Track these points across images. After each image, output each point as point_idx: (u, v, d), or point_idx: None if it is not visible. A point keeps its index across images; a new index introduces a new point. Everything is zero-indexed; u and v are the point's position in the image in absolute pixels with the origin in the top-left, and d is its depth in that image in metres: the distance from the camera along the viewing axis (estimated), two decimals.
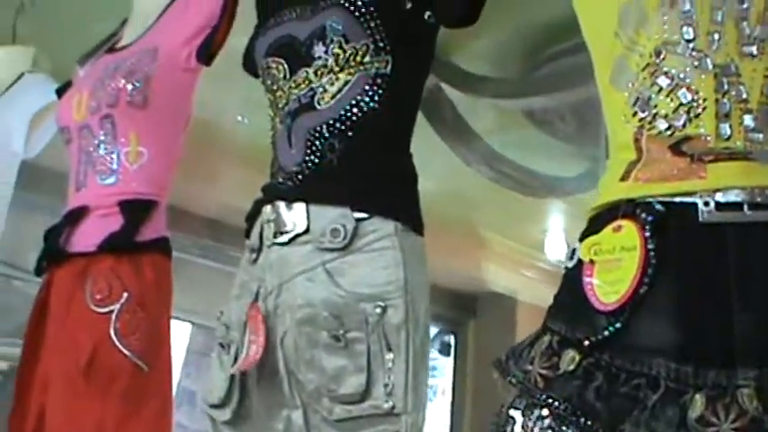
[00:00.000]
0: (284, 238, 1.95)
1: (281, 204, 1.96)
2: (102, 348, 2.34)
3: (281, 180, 2.00)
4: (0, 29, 3.52)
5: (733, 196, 1.38)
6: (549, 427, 1.41)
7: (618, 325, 1.38)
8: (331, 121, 1.94)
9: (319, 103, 1.96)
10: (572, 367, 1.41)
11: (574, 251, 1.52)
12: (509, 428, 1.47)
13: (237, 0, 2.57)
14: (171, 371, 2.49)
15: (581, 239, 1.51)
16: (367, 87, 1.94)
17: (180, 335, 5.58)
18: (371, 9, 1.94)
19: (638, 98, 1.47)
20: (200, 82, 2.66)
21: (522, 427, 1.45)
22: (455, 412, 8.46)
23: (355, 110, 1.94)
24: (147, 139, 2.53)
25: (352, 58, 1.94)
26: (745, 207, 1.38)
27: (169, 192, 2.61)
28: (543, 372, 1.45)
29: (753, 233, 1.36)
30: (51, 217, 2.69)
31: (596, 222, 1.51)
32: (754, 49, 1.41)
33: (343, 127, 1.94)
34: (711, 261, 1.38)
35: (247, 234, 2.10)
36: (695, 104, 1.42)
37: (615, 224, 1.45)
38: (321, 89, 1.96)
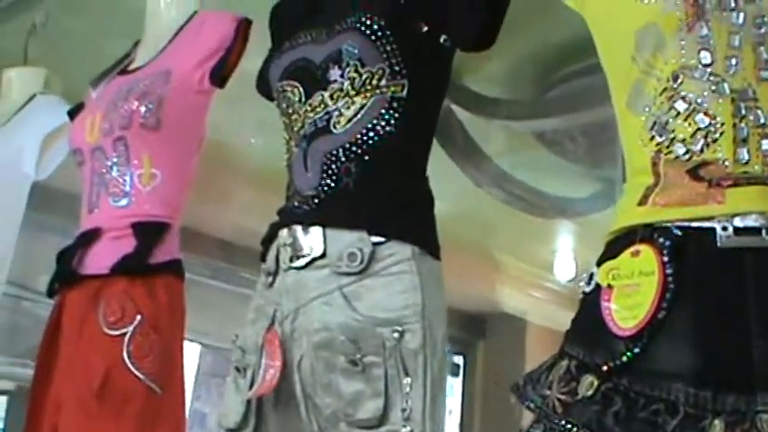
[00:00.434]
0: (301, 262, 1.94)
1: (298, 228, 1.96)
2: (116, 371, 2.34)
3: (297, 204, 2.00)
4: (12, 50, 3.53)
5: (751, 221, 1.38)
6: None
7: (636, 350, 1.38)
8: (347, 145, 1.94)
9: (335, 127, 1.95)
10: (590, 392, 1.41)
11: (591, 276, 1.52)
12: None
13: (251, 22, 2.57)
14: (184, 393, 2.48)
15: (598, 264, 1.51)
16: (383, 111, 1.94)
17: (190, 356, 5.58)
18: (387, 33, 1.94)
19: (655, 122, 1.47)
20: (212, 104, 2.66)
21: None
22: None
23: (371, 133, 1.93)
24: (160, 160, 2.53)
25: (368, 81, 1.94)
26: (764, 232, 1.38)
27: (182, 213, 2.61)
28: (562, 397, 1.44)
29: None
30: (62, 238, 2.69)
31: (614, 247, 1.50)
32: None
33: (359, 151, 1.93)
34: (730, 286, 1.38)
35: (263, 257, 2.09)
36: (713, 129, 1.42)
37: (633, 249, 1.45)
38: (337, 113, 1.96)
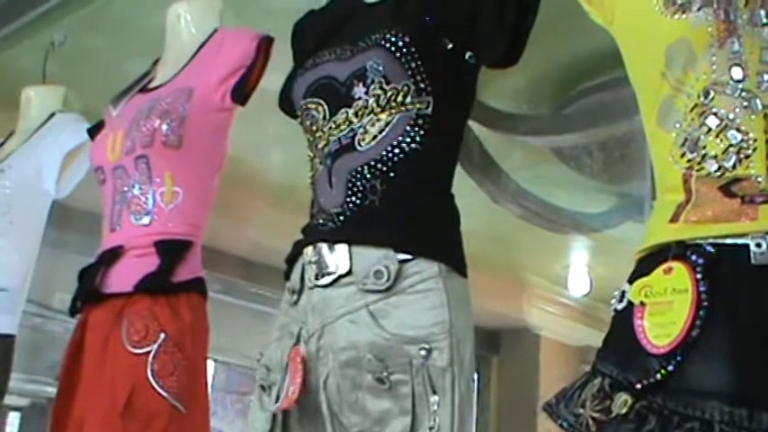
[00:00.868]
0: (326, 280, 1.93)
1: (323, 246, 1.95)
2: (140, 389, 2.33)
3: (321, 221, 1.99)
4: (30, 68, 3.54)
5: None
6: None
7: (670, 368, 1.37)
8: (372, 162, 1.93)
9: (360, 144, 1.95)
10: (624, 410, 1.40)
11: (623, 293, 1.51)
12: None
13: (272, 39, 2.57)
14: (208, 412, 2.48)
15: (630, 281, 1.51)
16: (408, 128, 1.93)
17: None
18: (412, 50, 1.93)
19: (686, 139, 1.47)
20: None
21: None
22: None
23: (397, 150, 1.93)
24: (182, 178, 2.53)
25: (392, 98, 1.93)
26: None
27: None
28: (595, 415, 1.44)
29: None
30: (79, 256, 2.69)
31: (646, 264, 1.50)
32: None
33: (384, 168, 1.92)
34: (764, 303, 1.37)
35: (287, 275, 2.08)
36: (745, 145, 1.41)
37: (666, 266, 1.44)
38: (362, 130, 1.95)
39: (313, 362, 1.94)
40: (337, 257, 1.93)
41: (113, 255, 2.53)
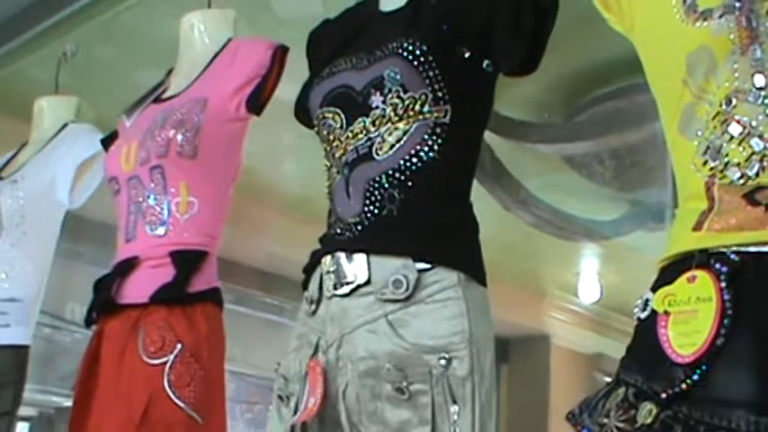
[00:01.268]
0: (345, 290, 1.92)
1: (342, 255, 1.94)
2: (157, 400, 2.33)
3: (339, 231, 1.99)
4: (43, 79, 3.54)
5: None
6: None
7: (695, 377, 1.36)
8: (390, 172, 1.92)
9: (378, 153, 1.94)
10: (650, 420, 1.39)
11: (647, 302, 1.50)
12: None
13: (287, 49, 2.57)
14: (225, 422, 2.48)
15: (653, 290, 1.50)
16: (426, 137, 1.93)
17: None
18: (430, 58, 1.93)
19: (708, 147, 1.46)
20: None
21: None
22: None
23: (414, 159, 1.92)
24: (197, 189, 2.52)
25: (410, 107, 1.92)
26: None
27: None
28: (620, 425, 1.43)
29: None
30: (92, 267, 2.68)
31: (669, 273, 1.49)
32: None
33: (402, 177, 1.92)
34: None
35: (305, 285, 2.08)
36: None
37: (689, 275, 1.43)
38: (379, 139, 1.94)
39: (332, 372, 1.93)
40: (356, 267, 1.92)
41: (129, 265, 2.53)
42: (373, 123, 1.96)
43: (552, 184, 5.34)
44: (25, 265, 3.13)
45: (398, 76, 1.93)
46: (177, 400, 2.33)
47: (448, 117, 1.94)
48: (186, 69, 2.76)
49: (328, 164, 2.09)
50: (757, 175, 1.41)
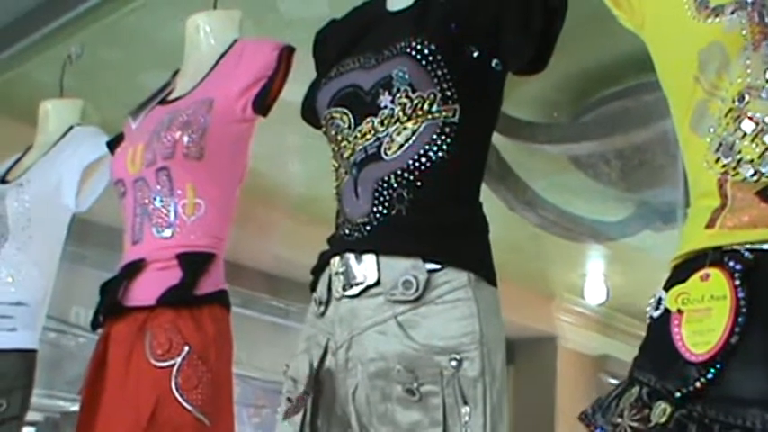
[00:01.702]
0: (354, 291, 1.91)
1: (351, 256, 1.93)
2: (164, 403, 2.32)
3: (347, 231, 1.98)
4: (47, 82, 3.53)
5: None
6: None
7: (710, 375, 1.35)
8: (399, 171, 1.91)
9: (386, 153, 1.93)
10: (664, 419, 1.38)
11: (660, 300, 1.49)
12: None
13: (294, 49, 2.56)
14: (233, 424, 2.47)
15: (666, 288, 1.48)
16: (435, 136, 1.92)
17: None
18: (438, 57, 1.92)
19: (720, 144, 1.45)
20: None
21: None
22: None
23: (423, 159, 1.91)
24: (203, 190, 2.51)
25: (419, 107, 1.91)
26: None
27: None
28: (634, 424, 1.42)
29: None
30: (96, 270, 2.68)
31: (682, 271, 1.47)
32: None
33: (411, 177, 1.91)
34: None
35: (313, 287, 2.07)
36: None
37: (702, 273, 1.42)
38: (388, 139, 1.93)
39: (341, 373, 1.92)
40: (365, 268, 1.91)
41: (135, 268, 2.52)
42: (382, 123, 1.95)
43: (558, 185, 5.33)
44: (31, 269, 3.11)
45: (407, 76, 1.93)
46: (185, 403, 2.32)
47: (457, 116, 1.93)
48: (192, 71, 2.75)
49: (336, 164, 2.08)
50: None
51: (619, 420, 1.44)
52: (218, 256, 2.53)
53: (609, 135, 4.41)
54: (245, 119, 2.55)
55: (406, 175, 1.91)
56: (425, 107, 1.92)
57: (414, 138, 1.92)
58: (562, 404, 8.35)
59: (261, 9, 3.77)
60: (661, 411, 1.39)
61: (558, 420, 8.26)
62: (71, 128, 3.35)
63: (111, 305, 2.54)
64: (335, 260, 1.97)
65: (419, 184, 1.91)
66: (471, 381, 1.80)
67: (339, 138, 2.04)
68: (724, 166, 1.44)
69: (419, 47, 1.93)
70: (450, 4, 2.02)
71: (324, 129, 2.13)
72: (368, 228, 1.94)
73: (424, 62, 1.92)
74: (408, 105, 1.92)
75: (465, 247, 1.93)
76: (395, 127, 1.93)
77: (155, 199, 2.53)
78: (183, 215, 2.50)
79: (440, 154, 1.92)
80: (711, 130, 1.46)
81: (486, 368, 1.81)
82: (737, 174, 1.42)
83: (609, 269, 7.65)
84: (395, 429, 1.83)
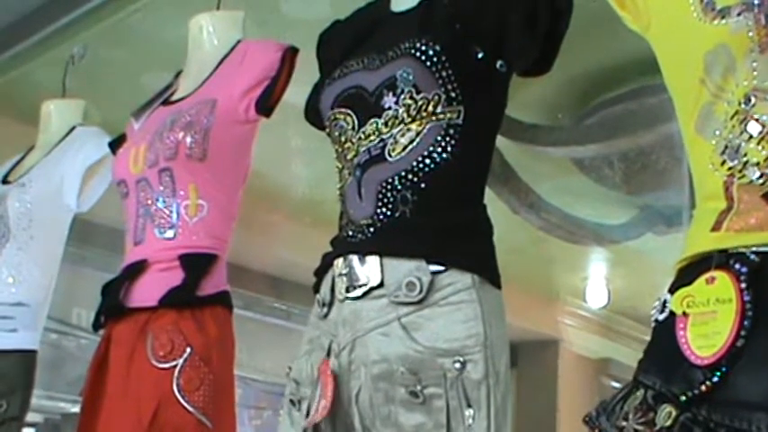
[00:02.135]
0: (357, 293, 1.90)
1: (354, 258, 1.92)
2: (166, 404, 2.32)
3: (351, 233, 1.97)
4: (50, 82, 3.53)
5: None
6: None
7: (715, 379, 1.34)
8: (403, 173, 1.90)
9: (390, 155, 1.92)
10: (669, 423, 1.37)
11: (665, 303, 1.48)
12: None
13: (297, 50, 2.55)
14: (235, 426, 2.46)
15: (671, 291, 1.47)
16: (439, 138, 1.91)
17: None
18: (443, 58, 1.91)
19: (726, 146, 1.44)
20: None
21: None
22: None
23: (428, 161, 1.90)
24: (206, 191, 2.51)
25: (423, 108, 1.91)
26: None
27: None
28: (639, 428, 1.41)
29: None
30: (98, 271, 2.67)
31: (687, 274, 1.47)
32: None
33: (415, 179, 1.90)
34: None
35: (316, 288, 2.06)
36: None
37: (708, 275, 1.41)
38: (392, 140, 1.92)
39: (344, 375, 1.91)
40: (368, 269, 1.90)
41: (137, 269, 2.51)
42: (386, 124, 1.94)
43: (562, 188, 5.32)
44: (32, 269, 3.11)
45: (411, 77, 1.92)
46: (186, 405, 2.31)
47: (461, 118, 1.93)
48: (195, 71, 2.74)
49: (340, 165, 2.07)
50: None
51: (623, 424, 1.43)
52: (220, 258, 2.52)
53: (612, 138, 4.41)
54: (248, 120, 2.54)
55: (410, 176, 1.90)
56: (430, 108, 1.91)
57: (418, 139, 1.91)
58: (564, 407, 8.34)
59: (264, 10, 3.76)
60: (666, 415, 1.38)
61: (560, 423, 8.24)
62: (73, 128, 3.34)
63: (112, 306, 2.53)
64: (339, 262, 1.96)
65: (423, 185, 1.90)
66: (475, 383, 1.79)
67: (343, 139, 2.03)
68: (730, 168, 1.43)
69: (423, 48, 1.92)
70: (454, 5, 2.01)
71: (327, 130, 2.12)
72: (371, 229, 1.93)
73: (428, 63, 1.91)
74: (413, 106, 1.91)
75: (469, 248, 1.92)
76: (399, 128, 1.92)
77: (157, 200, 2.52)
78: (185, 216, 2.49)
79: (444, 155, 1.91)
80: (717, 132, 1.45)
81: (490, 371, 1.81)
82: (743, 176, 1.41)
83: (611, 272, 7.64)
84: None
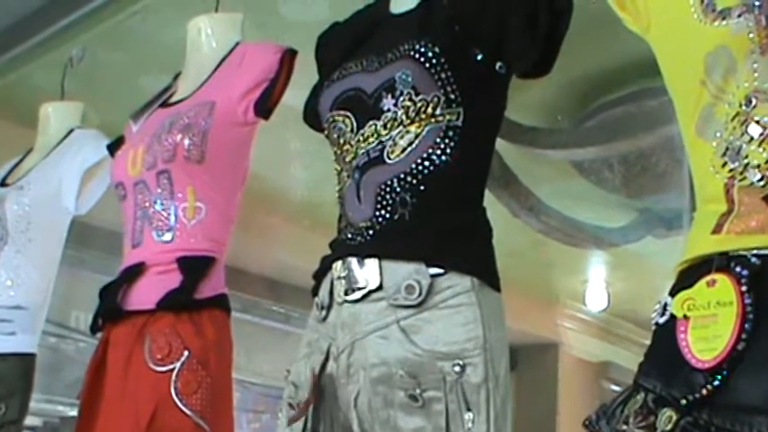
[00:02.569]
0: (356, 296, 1.90)
1: (353, 260, 1.91)
2: (163, 408, 2.31)
3: (350, 236, 1.96)
4: (49, 85, 3.52)
5: None
6: None
7: (716, 383, 1.33)
8: (402, 175, 1.89)
9: (389, 157, 1.91)
10: (669, 427, 1.36)
11: (665, 306, 1.47)
12: None
13: (296, 52, 2.54)
14: (233, 430, 2.45)
15: (672, 294, 1.47)
16: (438, 140, 1.90)
17: None
18: (442, 60, 1.90)
19: (727, 148, 1.43)
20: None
21: None
22: None
23: (427, 163, 1.89)
24: (204, 193, 2.50)
25: (422, 110, 1.90)
26: None
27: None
28: None
29: None
30: (96, 274, 2.66)
31: (687, 276, 1.46)
32: None
33: (414, 181, 1.89)
34: None
35: (315, 291, 2.05)
36: None
37: (709, 278, 1.40)
38: (391, 142, 1.91)
39: (343, 379, 1.91)
40: (367, 272, 1.89)
41: (135, 271, 2.50)
42: (385, 126, 1.93)
43: (561, 191, 5.32)
44: (31, 272, 3.11)
45: (410, 79, 1.91)
46: (184, 408, 2.30)
47: (460, 120, 1.92)
48: (193, 73, 2.73)
49: (338, 168, 2.06)
50: None
51: (624, 427, 1.43)
52: (218, 260, 2.51)
53: (612, 140, 4.40)
54: (246, 122, 2.53)
55: (409, 178, 1.90)
56: (429, 110, 1.90)
57: (417, 141, 1.90)
58: (564, 411, 8.33)
59: (262, 12, 3.76)
60: (667, 419, 1.37)
61: (559, 427, 8.24)
62: (72, 131, 3.34)
63: (110, 309, 2.52)
64: (338, 264, 1.95)
65: (422, 187, 1.89)
66: (475, 387, 1.78)
67: (341, 141, 2.03)
68: (731, 170, 1.42)
69: (423, 49, 1.91)
70: (454, 7, 2.00)
71: (326, 132, 2.11)
72: (370, 232, 1.92)
73: (427, 65, 1.90)
74: (412, 108, 1.90)
75: (469, 251, 1.91)
76: (398, 130, 1.91)
77: (155, 202, 2.52)
78: (183, 219, 2.49)
79: (443, 158, 1.90)
80: (718, 134, 1.45)
81: (489, 374, 1.80)
82: (744, 178, 1.41)
83: (611, 275, 7.63)
84: None
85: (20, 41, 4.04)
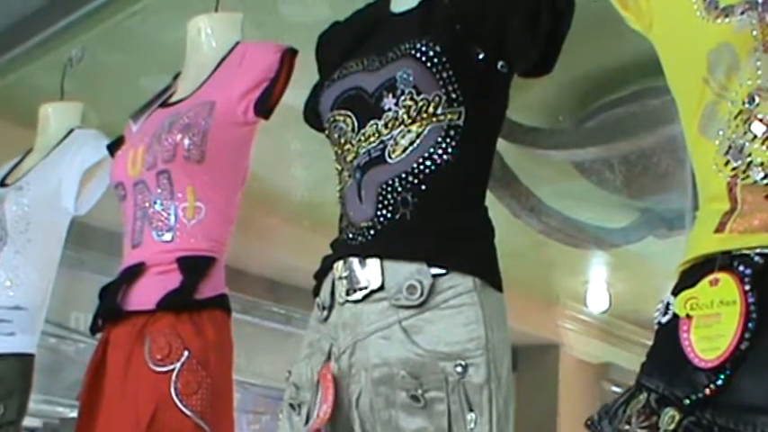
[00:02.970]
0: (358, 296, 1.89)
1: (354, 261, 1.90)
2: (163, 408, 2.30)
3: (351, 235, 1.95)
4: (48, 85, 3.51)
5: None
6: None
7: (719, 382, 1.33)
8: (403, 175, 1.89)
9: (390, 157, 1.90)
10: (672, 426, 1.35)
11: (668, 305, 1.46)
12: None
13: (296, 52, 2.53)
14: (233, 430, 2.44)
15: (674, 293, 1.46)
16: (440, 139, 1.89)
17: None
18: (443, 59, 1.89)
19: (730, 147, 1.42)
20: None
21: None
22: None
23: (428, 162, 1.88)
24: (204, 193, 2.49)
25: (423, 109, 1.89)
26: None
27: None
28: None
29: None
30: (95, 275, 2.65)
31: (690, 276, 1.45)
32: None
33: (416, 180, 1.88)
34: None
35: (316, 292, 2.04)
36: None
37: (712, 277, 1.40)
38: (392, 142, 1.91)
39: (345, 379, 1.90)
40: (369, 272, 1.88)
41: (135, 272, 2.50)
42: (386, 126, 1.92)
43: (562, 192, 5.32)
44: (30, 272, 3.10)
45: (411, 78, 1.90)
46: (184, 408, 2.30)
47: (462, 119, 1.91)
48: (193, 73, 2.72)
49: (339, 167, 2.05)
50: None
51: (626, 427, 1.42)
52: (218, 261, 2.51)
53: (613, 140, 4.40)
54: (246, 122, 2.52)
55: (410, 178, 1.89)
56: (430, 110, 1.89)
57: (418, 141, 1.89)
58: (565, 412, 8.33)
59: (262, 12, 3.76)
60: (669, 419, 1.36)
61: (560, 428, 8.23)
62: (71, 131, 3.33)
63: (110, 309, 2.52)
64: (339, 264, 1.95)
65: (424, 187, 1.88)
66: (477, 387, 1.78)
67: (342, 141, 2.02)
68: (734, 169, 1.42)
69: (424, 48, 1.91)
70: (455, 6, 1.99)
71: (327, 132, 2.10)
72: (372, 232, 1.91)
73: (428, 64, 1.90)
74: (413, 108, 1.89)
75: (470, 251, 1.90)
76: (399, 130, 1.90)
77: (155, 202, 2.51)
78: (183, 219, 2.48)
79: (445, 157, 1.89)
80: (721, 132, 1.44)
81: (491, 374, 1.79)
82: (747, 177, 1.40)
83: (612, 276, 7.63)
84: None
85: (20, 42, 4.04)
